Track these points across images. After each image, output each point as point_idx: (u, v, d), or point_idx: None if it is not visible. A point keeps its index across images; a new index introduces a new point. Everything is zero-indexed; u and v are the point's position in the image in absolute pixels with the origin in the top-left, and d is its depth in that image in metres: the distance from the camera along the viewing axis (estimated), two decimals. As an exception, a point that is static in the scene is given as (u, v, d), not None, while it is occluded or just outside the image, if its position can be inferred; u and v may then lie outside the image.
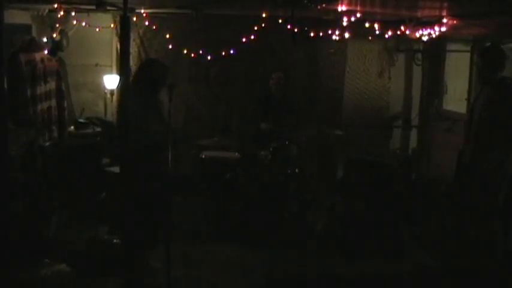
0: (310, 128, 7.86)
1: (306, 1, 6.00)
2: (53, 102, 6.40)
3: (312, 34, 8.06)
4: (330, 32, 8.03)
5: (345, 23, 7.39)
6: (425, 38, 8.06)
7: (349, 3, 6.56)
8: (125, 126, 4.77)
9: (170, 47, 8.36)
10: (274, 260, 6.12)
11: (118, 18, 8.07)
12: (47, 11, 7.90)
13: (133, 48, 8.59)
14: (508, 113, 5.28)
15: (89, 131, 7.95)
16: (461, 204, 5.82)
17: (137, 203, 5.27)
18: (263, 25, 7.71)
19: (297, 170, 7.22)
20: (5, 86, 5.43)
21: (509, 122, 5.26)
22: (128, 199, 5.21)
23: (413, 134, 9.69)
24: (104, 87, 8.62)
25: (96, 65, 8.75)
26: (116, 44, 8.69)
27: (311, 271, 5.93)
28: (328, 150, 8.08)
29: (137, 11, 8.03)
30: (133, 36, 8.51)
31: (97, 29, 8.39)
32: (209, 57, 8.31)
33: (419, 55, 9.41)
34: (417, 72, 9.57)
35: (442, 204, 6.87)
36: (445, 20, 7.33)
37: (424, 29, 7.81)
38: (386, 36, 8.13)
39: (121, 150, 4.71)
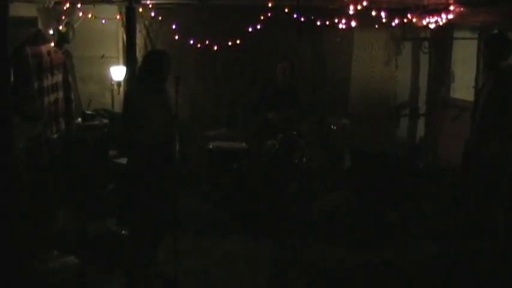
0: (314, 118, 7.86)
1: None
2: (60, 95, 6.41)
3: (318, 23, 8.03)
4: (336, 21, 8.00)
5: (351, 12, 7.37)
6: (432, 26, 8.03)
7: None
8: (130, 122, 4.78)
9: (176, 37, 8.36)
10: (282, 250, 6.14)
11: (124, 10, 8.06)
12: (52, 3, 7.89)
13: (139, 40, 8.57)
14: (509, 101, 5.25)
15: (96, 122, 7.95)
16: (466, 194, 5.81)
17: (144, 196, 5.29)
18: (269, 15, 7.70)
19: (304, 160, 7.22)
20: (12, 79, 5.47)
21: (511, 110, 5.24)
22: (135, 192, 5.24)
23: (421, 123, 9.65)
24: (111, 79, 8.63)
25: (103, 56, 8.76)
26: (122, 36, 8.70)
27: (318, 261, 5.94)
28: (332, 139, 8.05)
29: (143, 2, 8.02)
30: (139, 27, 8.50)
31: (103, 21, 8.38)
32: (215, 48, 8.31)
33: (426, 43, 9.37)
34: (424, 60, 9.53)
35: (450, 193, 6.87)
36: (452, 8, 7.31)
37: (430, 17, 7.78)
38: (393, 24, 8.11)
39: (127, 147, 4.71)
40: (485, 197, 5.42)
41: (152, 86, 5.42)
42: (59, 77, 6.39)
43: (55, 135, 6.24)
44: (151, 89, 5.41)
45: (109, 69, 8.60)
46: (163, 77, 5.46)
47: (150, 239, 5.43)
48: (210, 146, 7.65)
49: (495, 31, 6.21)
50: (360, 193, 7.04)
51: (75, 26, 8.10)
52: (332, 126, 7.97)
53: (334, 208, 6.93)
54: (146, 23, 8.72)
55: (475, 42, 8.56)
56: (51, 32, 7.78)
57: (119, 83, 8.61)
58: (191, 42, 8.30)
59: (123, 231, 5.91)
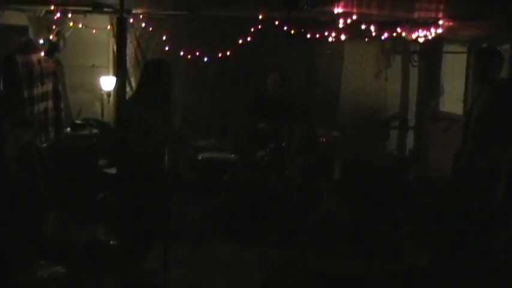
0: (305, 129, 7.86)
1: (302, 3, 6.01)
2: (50, 104, 6.39)
3: (308, 35, 8.06)
4: (326, 33, 8.05)
5: (341, 25, 7.41)
6: (421, 40, 8.08)
7: (345, 5, 6.57)
8: (123, 129, 4.77)
9: (167, 48, 8.36)
10: (273, 260, 6.14)
11: (115, 20, 8.08)
12: (43, 12, 7.89)
13: (129, 50, 8.57)
14: (505, 114, 5.27)
15: (86, 132, 7.94)
16: (459, 206, 5.82)
17: (135, 205, 5.27)
18: (260, 26, 7.72)
19: (294, 171, 7.23)
20: (1, 87, 5.46)
21: (507, 122, 5.25)
22: (125, 201, 5.22)
23: (410, 135, 9.69)
24: (101, 89, 8.62)
25: (93, 66, 8.74)
26: (112, 45, 8.69)
27: (309, 271, 5.94)
28: (320, 149, 8.06)
29: (134, 12, 8.04)
30: (129, 37, 8.50)
31: (94, 31, 8.38)
32: (206, 59, 8.32)
33: (415, 56, 9.42)
34: (414, 73, 9.59)
35: (440, 205, 6.88)
36: (441, 22, 7.36)
37: (420, 31, 7.83)
38: (383, 37, 8.15)
39: (121, 153, 4.69)
40: (480, 205, 5.43)
41: (151, 95, 5.40)
42: (49, 86, 6.38)
43: (44, 144, 6.22)
44: (150, 98, 5.39)
45: (99, 79, 8.58)
46: (162, 86, 5.44)
47: (141, 247, 5.41)
48: (200, 157, 7.64)
49: (484, 45, 6.25)
50: (349, 204, 7.04)
51: (65, 35, 8.10)
52: (322, 139, 7.97)
53: (326, 218, 6.93)
54: (137, 33, 8.71)
55: (464, 56, 8.63)
56: (41, 41, 7.77)
57: (108, 93, 8.60)
58: (182, 53, 8.32)
59: (111, 241, 5.88)
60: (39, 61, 6.21)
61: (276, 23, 7.61)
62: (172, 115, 5.62)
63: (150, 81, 5.47)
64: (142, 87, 5.53)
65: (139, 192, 5.24)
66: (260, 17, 7.54)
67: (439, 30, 7.54)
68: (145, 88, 5.49)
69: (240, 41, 7.96)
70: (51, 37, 7.83)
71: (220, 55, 8.20)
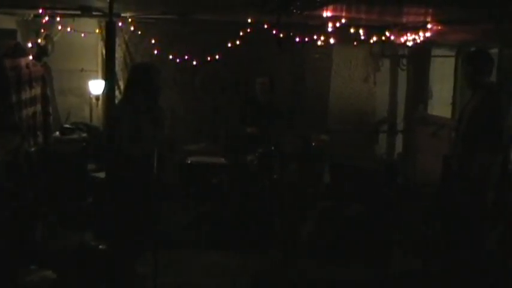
0: (295, 133, 7.87)
1: (292, 8, 6.02)
2: (38, 108, 6.36)
3: (297, 39, 8.08)
4: (315, 37, 8.07)
5: (330, 29, 7.43)
6: (410, 43, 8.12)
7: (334, 9, 6.59)
8: (111, 135, 4.76)
9: (156, 52, 8.35)
10: (261, 265, 6.13)
11: (103, 24, 8.06)
12: (31, 16, 7.87)
13: (118, 54, 8.53)
14: (496, 118, 5.28)
15: (75, 136, 7.90)
16: (448, 209, 5.83)
17: (123, 210, 5.26)
18: (249, 30, 7.73)
19: (283, 176, 7.23)
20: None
21: (498, 126, 5.26)
22: (114, 206, 5.21)
23: (399, 139, 9.72)
24: (90, 93, 8.59)
25: (82, 70, 8.72)
26: (101, 49, 8.67)
27: (298, 276, 5.93)
28: (313, 155, 8.07)
29: (123, 15, 8.02)
30: (118, 41, 8.45)
31: (82, 34, 8.36)
32: (195, 63, 8.31)
33: (404, 60, 9.46)
34: (402, 77, 9.62)
35: (428, 208, 6.91)
36: (429, 26, 7.39)
37: (409, 35, 7.86)
38: (372, 41, 8.18)
39: (110, 159, 4.69)
40: (469, 209, 5.44)
41: (139, 99, 5.37)
42: (37, 90, 6.34)
43: (33, 149, 6.19)
44: (137, 102, 5.36)
45: (88, 83, 8.55)
46: (150, 90, 5.41)
47: (130, 252, 5.39)
48: (189, 161, 7.62)
49: (474, 49, 6.26)
50: (338, 208, 7.05)
51: (54, 39, 8.08)
52: (312, 143, 7.98)
53: (314, 224, 6.94)
54: (126, 37, 8.69)
55: (452, 60, 8.67)
56: (30, 44, 7.74)
57: (97, 97, 8.57)
58: (170, 56, 8.31)
59: (100, 246, 5.86)
60: (27, 65, 6.17)
61: (265, 27, 7.61)
62: (161, 119, 5.56)
63: (137, 85, 5.44)
64: (130, 91, 5.50)
65: (129, 195, 5.23)
66: (249, 21, 7.55)
67: (428, 34, 7.57)
68: (132, 92, 5.46)
69: (229, 45, 7.96)
70: (39, 41, 7.80)
71: (209, 59, 8.20)
